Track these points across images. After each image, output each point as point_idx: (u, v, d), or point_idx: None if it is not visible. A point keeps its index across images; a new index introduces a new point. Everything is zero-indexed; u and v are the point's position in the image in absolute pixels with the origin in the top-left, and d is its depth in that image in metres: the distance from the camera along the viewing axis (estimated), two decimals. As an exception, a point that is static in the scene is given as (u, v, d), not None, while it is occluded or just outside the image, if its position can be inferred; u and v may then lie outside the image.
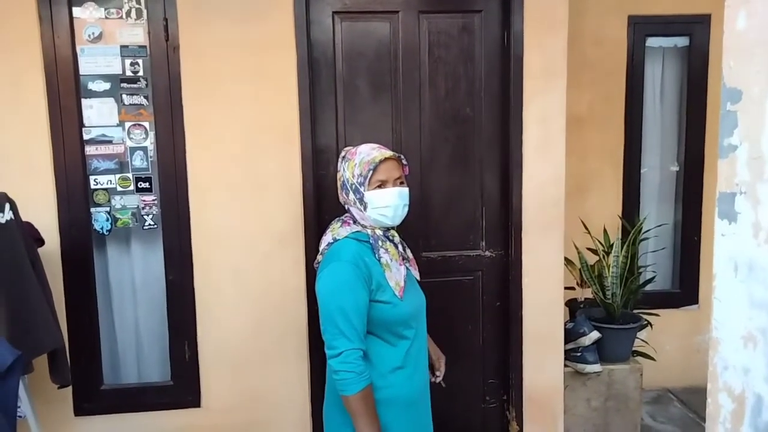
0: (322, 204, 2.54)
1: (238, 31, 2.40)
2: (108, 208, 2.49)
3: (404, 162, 1.73)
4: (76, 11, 2.39)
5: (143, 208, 2.50)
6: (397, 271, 1.68)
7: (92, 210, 2.47)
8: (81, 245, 2.46)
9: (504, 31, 2.57)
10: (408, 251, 1.81)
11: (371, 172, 1.64)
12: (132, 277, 2.60)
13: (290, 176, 2.49)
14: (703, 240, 3.57)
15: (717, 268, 1.03)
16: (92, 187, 2.46)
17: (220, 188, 2.47)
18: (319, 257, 1.73)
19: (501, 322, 2.72)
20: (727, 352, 1.01)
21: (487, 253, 2.68)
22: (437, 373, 1.93)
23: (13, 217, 2.07)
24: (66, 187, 2.42)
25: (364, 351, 1.58)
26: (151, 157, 2.49)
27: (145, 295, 2.61)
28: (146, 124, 2.48)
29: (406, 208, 1.71)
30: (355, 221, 1.72)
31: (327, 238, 1.72)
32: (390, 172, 1.66)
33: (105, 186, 2.47)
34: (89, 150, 2.45)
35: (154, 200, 2.50)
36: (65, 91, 2.39)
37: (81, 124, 2.43)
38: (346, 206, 1.74)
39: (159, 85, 2.44)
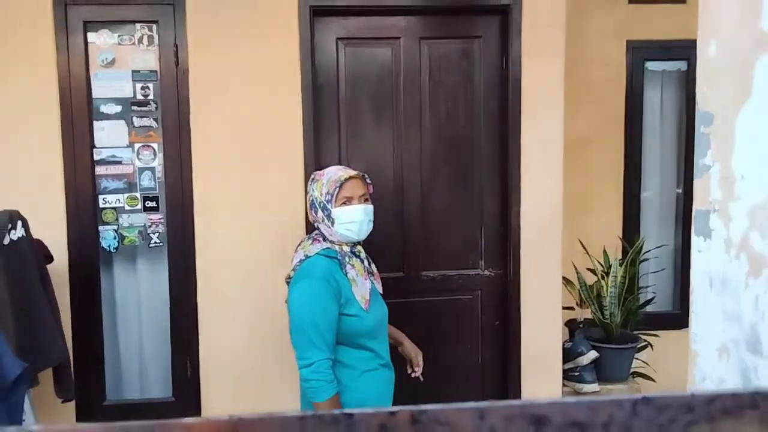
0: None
1: (245, 56, 2.49)
2: (116, 227, 2.56)
3: (368, 181, 1.86)
4: (91, 37, 2.50)
5: (150, 227, 2.57)
6: (363, 285, 1.81)
7: (100, 228, 2.54)
8: (88, 262, 2.53)
9: (503, 56, 2.65)
10: (373, 266, 1.94)
11: (338, 189, 1.77)
12: (137, 293, 2.66)
13: (294, 197, 2.55)
14: (703, 262, 3.58)
15: (694, 283, 1.07)
16: (101, 205, 2.54)
17: (226, 208, 2.53)
18: (291, 272, 1.83)
19: (500, 341, 2.74)
20: (704, 363, 1.04)
21: (486, 272, 2.72)
22: (416, 369, 2.01)
23: (24, 234, 2.14)
24: (76, 205, 2.49)
25: (332, 360, 1.70)
26: (158, 177, 2.56)
27: (149, 311, 2.66)
28: (155, 146, 2.56)
29: (371, 224, 1.83)
30: (324, 238, 1.82)
31: (299, 255, 1.83)
32: (355, 189, 1.79)
33: (113, 205, 2.55)
34: (99, 170, 2.53)
35: (160, 219, 2.57)
36: (78, 114, 2.48)
37: (92, 146, 2.51)
38: (315, 224, 1.86)
39: (168, 108, 2.52)
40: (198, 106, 2.50)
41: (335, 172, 1.83)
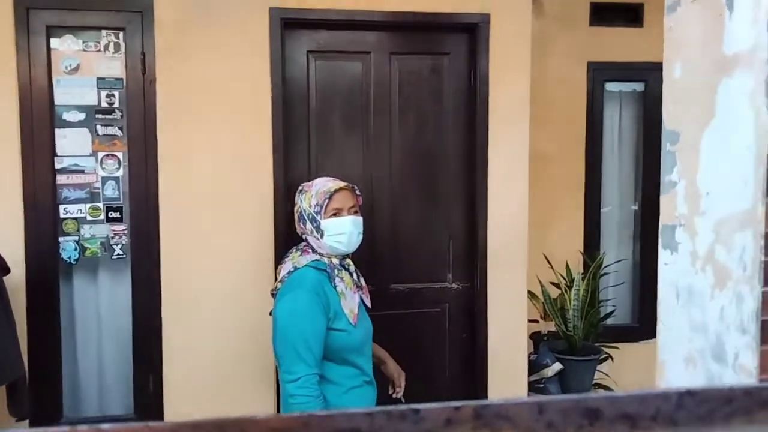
0: (293, 236, 2.57)
1: (215, 66, 2.47)
2: (77, 238, 2.48)
3: (358, 192, 1.85)
4: (54, 42, 2.43)
5: (113, 238, 2.50)
6: (352, 299, 1.78)
7: (60, 239, 2.46)
8: (47, 274, 2.44)
9: (470, 72, 2.70)
10: (362, 280, 1.91)
11: (327, 201, 1.75)
12: (98, 307, 2.58)
13: (263, 208, 2.53)
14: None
15: (661, 295, 1.11)
16: (62, 216, 2.46)
17: (192, 219, 2.49)
18: (278, 284, 1.80)
19: (467, 354, 2.77)
20: (671, 373, 1.08)
21: (454, 286, 2.75)
22: (397, 389, 2.00)
23: (-21, 245, 2.05)
24: (35, 215, 2.41)
25: (319, 375, 1.66)
26: (123, 187, 2.50)
27: (111, 325, 2.58)
28: (119, 155, 2.50)
29: (360, 236, 1.82)
30: (313, 250, 1.80)
31: (287, 267, 1.80)
32: (344, 201, 1.78)
33: (75, 215, 2.47)
34: (60, 179, 2.45)
35: (124, 230, 2.51)
36: (39, 121, 2.41)
37: (53, 154, 2.44)
38: (303, 236, 1.84)
39: (134, 117, 2.47)
40: (165, 116, 2.46)
41: (324, 183, 1.81)
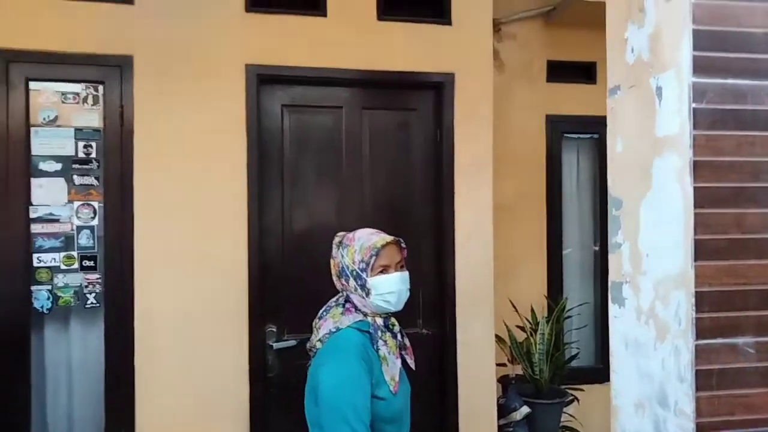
0: (266, 284, 2.64)
1: (192, 119, 2.56)
2: (50, 287, 2.48)
3: (403, 245, 1.74)
4: (34, 94, 2.49)
5: (86, 287, 2.52)
6: (393, 365, 1.67)
7: (33, 288, 2.46)
8: (18, 323, 2.43)
9: (437, 127, 2.86)
10: (406, 339, 1.80)
11: (374, 257, 1.64)
12: (69, 357, 2.56)
13: (238, 257, 2.58)
14: (620, 317, 3.85)
15: (613, 345, 1.22)
16: (35, 264, 2.47)
17: (168, 269, 2.52)
18: (318, 344, 1.67)
19: (437, 400, 2.83)
20: (624, 417, 1.18)
21: (424, 331, 2.83)
22: None
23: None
24: (6, 264, 2.41)
25: None
26: (98, 236, 2.53)
27: (83, 376, 2.56)
28: (95, 204, 2.54)
29: (408, 293, 1.72)
30: (356, 308, 1.68)
31: (328, 325, 1.66)
32: (392, 256, 1.68)
33: (48, 264, 2.48)
34: (35, 228, 2.47)
35: (98, 279, 2.52)
36: (15, 171, 2.44)
37: (28, 203, 2.46)
38: (344, 292, 1.72)
39: (111, 167, 2.53)
40: (142, 166, 2.52)
41: (368, 238, 1.68)
